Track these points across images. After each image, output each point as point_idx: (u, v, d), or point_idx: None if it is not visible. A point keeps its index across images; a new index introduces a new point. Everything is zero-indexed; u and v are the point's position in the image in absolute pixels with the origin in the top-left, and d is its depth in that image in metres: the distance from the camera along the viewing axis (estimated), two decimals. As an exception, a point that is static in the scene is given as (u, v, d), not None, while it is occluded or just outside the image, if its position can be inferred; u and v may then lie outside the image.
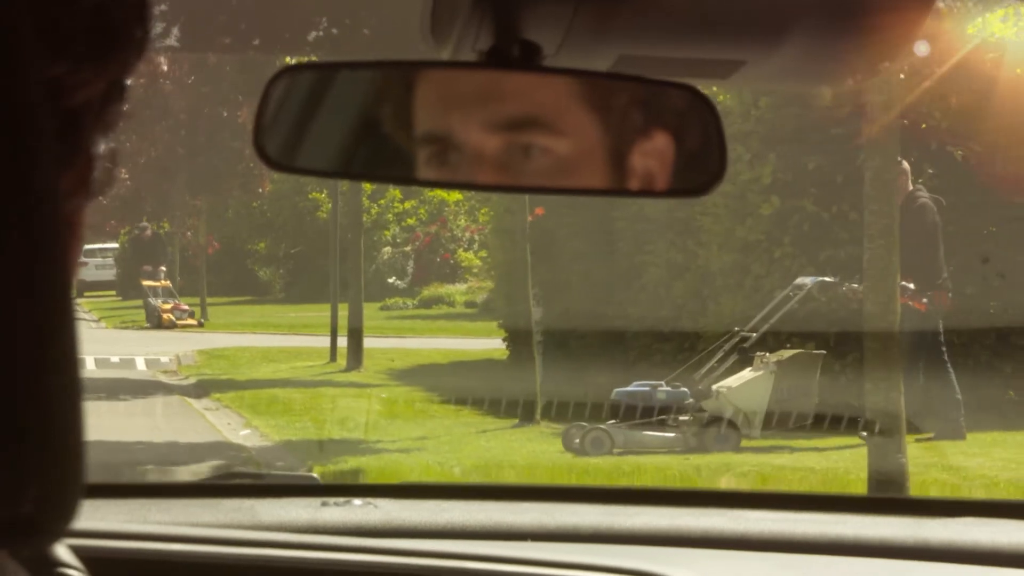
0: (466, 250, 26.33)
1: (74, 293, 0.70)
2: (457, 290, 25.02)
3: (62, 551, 0.91)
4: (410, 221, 28.05)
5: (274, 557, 2.12)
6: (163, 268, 24.06)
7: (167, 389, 15.56)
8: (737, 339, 11.49)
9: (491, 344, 17.54)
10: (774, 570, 2.37)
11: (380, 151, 1.40)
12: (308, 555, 2.13)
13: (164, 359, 17.98)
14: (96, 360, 17.32)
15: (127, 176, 22.27)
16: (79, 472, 0.67)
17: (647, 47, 1.43)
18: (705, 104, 1.36)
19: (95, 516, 2.33)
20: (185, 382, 16.13)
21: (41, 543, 0.68)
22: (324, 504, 2.59)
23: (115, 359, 17.61)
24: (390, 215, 27.76)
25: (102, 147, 0.75)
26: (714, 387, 11.16)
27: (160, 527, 2.30)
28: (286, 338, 20.35)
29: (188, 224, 25.08)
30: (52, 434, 0.66)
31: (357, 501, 2.61)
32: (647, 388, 11.17)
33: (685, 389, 11.15)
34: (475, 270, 24.38)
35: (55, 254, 0.67)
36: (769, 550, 2.41)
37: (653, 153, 1.38)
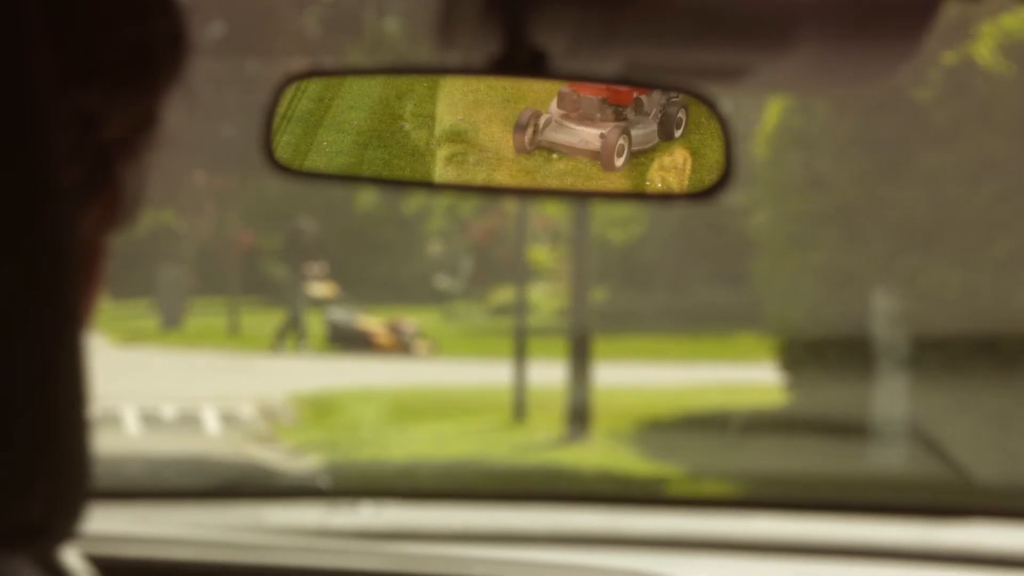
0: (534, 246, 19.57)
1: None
2: (537, 295, 18.35)
3: (71, 555, 0.91)
4: (463, 212, 21.39)
5: (282, 562, 2.12)
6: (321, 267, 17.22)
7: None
8: None
9: (697, 374, 11.19)
10: (784, 575, 2.36)
11: (388, 157, 1.41)
12: (316, 560, 2.13)
13: (242, 410, 10.38)
14: (141, 414, 9.97)
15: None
16: (85, 475, 0.68)
17: (655, 52, 1.43)
18: (712, 108, 1.37)
19: (104, 520, 2.33)
20: (297, 463, 8.84)
21: (50, 546, 0.68)
22: (331, 509, 2.59)
23: (169, 411, 10.15)
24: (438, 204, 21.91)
25: (131, 176, 0.75)
26: None
27: (168, 532, 2.30)
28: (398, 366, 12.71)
29: (206, 213, 21.76)
30: (59, 438, 0.66)
31: (365, 506, 2.62)
32: None
33: None
34: (551, 270, 18.39)
35: (64, 268, 0.67)
36: (779, 554, 2.41)
37: (660, 158, 1.38)
